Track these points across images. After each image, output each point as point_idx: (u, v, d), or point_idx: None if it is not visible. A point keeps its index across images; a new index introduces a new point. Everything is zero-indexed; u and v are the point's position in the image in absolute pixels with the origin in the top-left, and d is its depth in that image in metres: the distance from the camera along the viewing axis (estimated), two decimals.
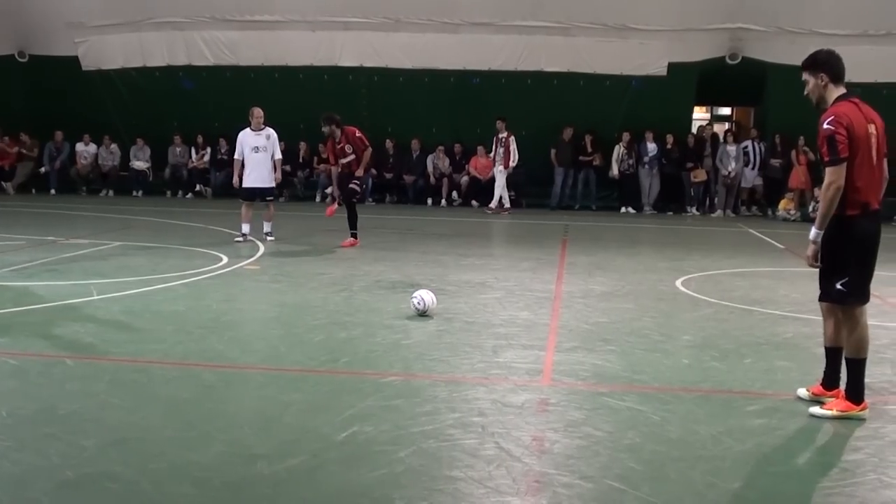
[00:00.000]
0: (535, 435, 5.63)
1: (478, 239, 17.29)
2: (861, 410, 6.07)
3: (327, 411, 6.00)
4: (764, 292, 11.06)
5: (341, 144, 14.66)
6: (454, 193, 23.39)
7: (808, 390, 6.48)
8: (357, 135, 14.69)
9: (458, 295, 10.42)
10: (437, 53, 22.86)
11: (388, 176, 23.56)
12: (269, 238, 15.00)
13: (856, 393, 6.10)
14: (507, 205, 21.70)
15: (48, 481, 4.76)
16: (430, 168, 23.42)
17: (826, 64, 6.13)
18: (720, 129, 25.17)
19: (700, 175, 22.35)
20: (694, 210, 22.55)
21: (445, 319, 9.00)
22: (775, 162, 21.99)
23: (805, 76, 6.21)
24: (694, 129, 24.04)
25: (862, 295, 6.11)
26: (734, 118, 27.43)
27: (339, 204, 14.75)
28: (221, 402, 6.32)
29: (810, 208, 20.36)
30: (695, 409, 6.30)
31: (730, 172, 22.11)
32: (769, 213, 22.15)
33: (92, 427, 5.62)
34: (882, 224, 6.14)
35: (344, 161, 14.73)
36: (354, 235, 14.73)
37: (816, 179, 21.69)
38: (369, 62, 23.27)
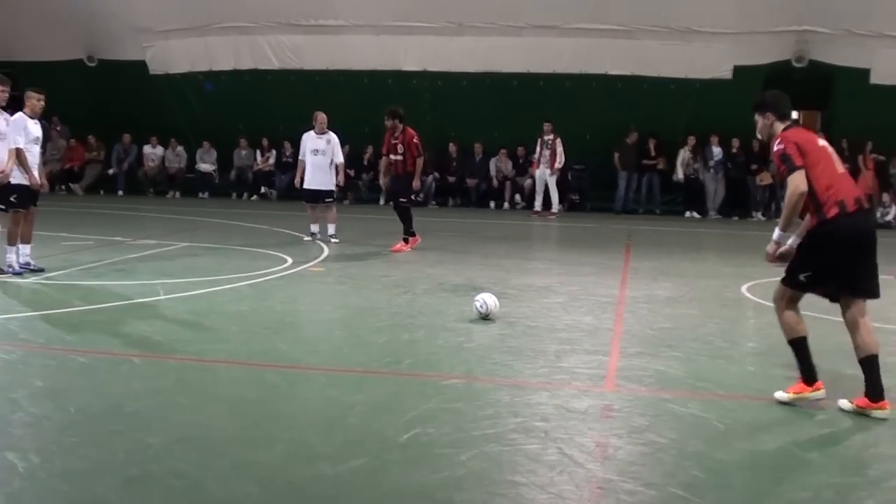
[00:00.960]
0: (598, 441, 5.58)
1: (540, 243, 17.23)
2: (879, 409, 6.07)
3: (390, 413, 6.01)
4: None
5: (396, 141, 14.54)
6: (517, 197, 23.33)
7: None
8: (414, 140, 14.46)
9: (521, 299, 10.39)
10: (500, 57, 22.81)
11: (451, 179, 23.54)
12: (333, 240, 15.09)
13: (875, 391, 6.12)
14: (539, 207, 21.68)
15: (114, 477, 4.83)
16: (492, 171, 23.41)
17: (772, 105, 6.60)
18: None
19: (766, 178, 21.99)
20: (760, 215, 22.23)
21: (508, 323, 8.98)
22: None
23: (755, 117, 6.69)
24: None
25: (873, 290, 6.29)
26: (801, 122, 26.97)
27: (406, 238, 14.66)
28: (285, 402, 6.37)
29: (878, 214, 19.98)
30: (760, 416, 6.21)
31: None
32: None
33: (157, 425, 5.69)
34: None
35: (392, 158, 14.64)
36: (413, 234, 14.67)
37: (884, 184, 21.34)
38: (433, 66, 23.34)
